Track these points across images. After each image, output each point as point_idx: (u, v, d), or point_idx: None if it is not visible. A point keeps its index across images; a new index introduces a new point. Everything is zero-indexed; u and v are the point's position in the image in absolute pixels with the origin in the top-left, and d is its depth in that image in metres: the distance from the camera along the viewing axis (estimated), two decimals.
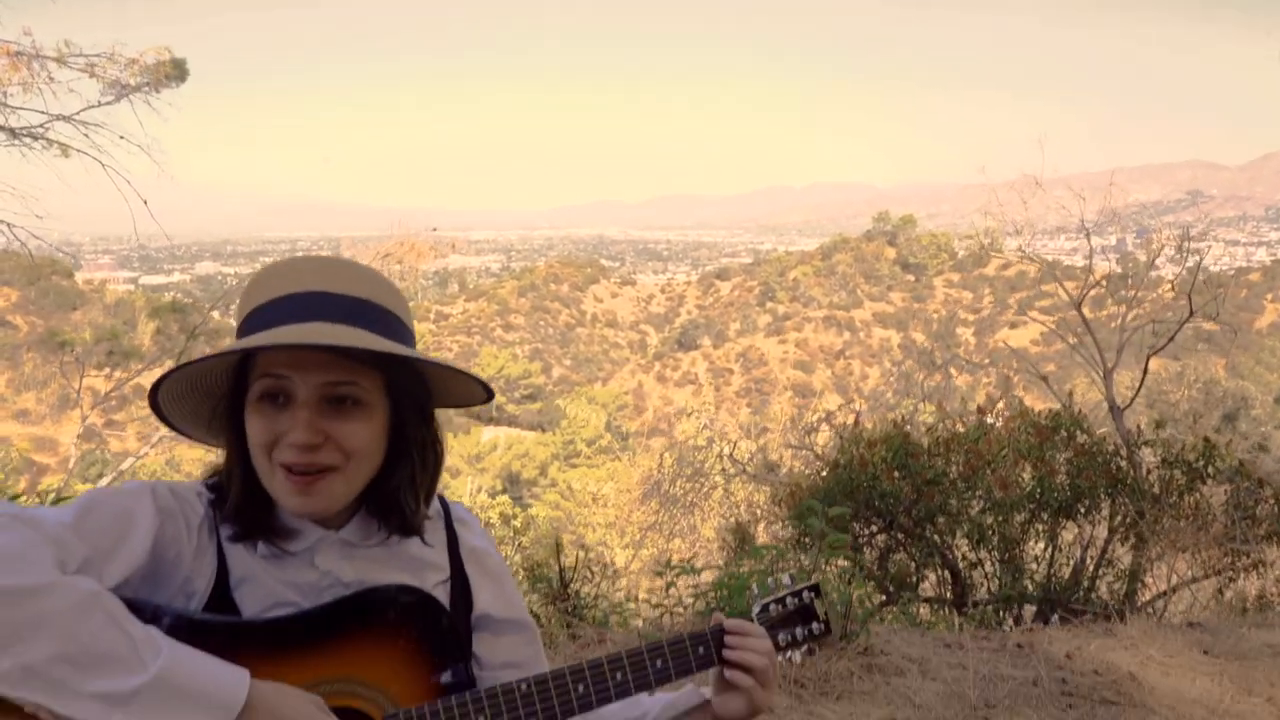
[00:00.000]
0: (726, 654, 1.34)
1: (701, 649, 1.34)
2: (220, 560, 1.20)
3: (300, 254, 1.28)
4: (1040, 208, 9.98)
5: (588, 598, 4.74)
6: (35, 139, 11.93)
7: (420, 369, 1.28)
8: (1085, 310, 9.01)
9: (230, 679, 1.02)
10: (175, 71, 13.39)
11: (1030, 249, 10.82)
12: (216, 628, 1.11)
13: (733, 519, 9.25)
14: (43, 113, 11.73)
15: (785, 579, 1.49)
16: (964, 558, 6.87)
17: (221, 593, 1.19)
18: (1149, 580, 6.62)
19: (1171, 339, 8.09)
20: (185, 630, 1.07)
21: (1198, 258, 8.81)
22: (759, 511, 9.21)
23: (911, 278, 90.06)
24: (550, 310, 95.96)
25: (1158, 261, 10.82)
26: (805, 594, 1.48)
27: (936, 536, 6.83)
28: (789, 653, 1.45)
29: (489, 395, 1.30)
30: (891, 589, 6.74)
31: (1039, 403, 8.43)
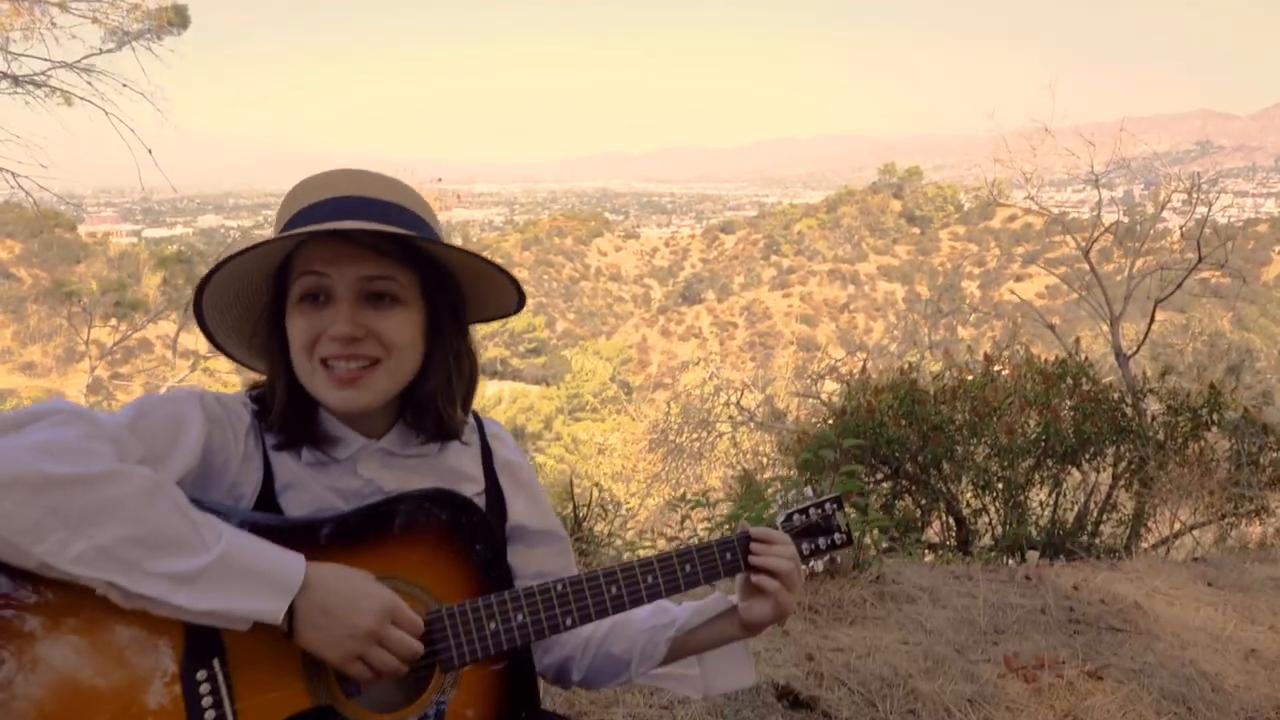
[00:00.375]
0: (753, 560, 1.38)
1: (729, 555, 1.38)
2: (266, 467, 1.24)
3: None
4: (1049, 155, 9.91)
5: (601, 536, 4.81)
6: (38, 86, 11.84)
7: (454, 275, 1.31)
8: (1092, 258, 9.01)
9: (288, 561, 1.07)
10: (177, 18, 13.26)
11: (1038, 199, 10.74)
12: (265, 526, 1.15)
13: (739, 468, 9.31)
14: (45, 59, 11.62)
15: (808, 491, 1.54)
16: (968, 505, 6.94)
17: (267, 498, 1.23)
18: (1152, 525, 6.70)
19: (1179, 286, 8.10)
20: (237, 527, 1.12)
21: (1206, 206, 8.77)
22: (765, 460, 9.28)
23: (917, 230, 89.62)
24: (554, 264, 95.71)
25: (1164, 213, 10.76)
26: (827, 505, 1.52)
27: (942, 484, 6.89)
28: (811, 561, 1.50)
29: (520, 300, 1.34)
30: (896, 534, 6.81)
31: (1045, 355, 8.45)
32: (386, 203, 1.26)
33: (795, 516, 1.50)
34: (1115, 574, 3.78)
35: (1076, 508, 6.80)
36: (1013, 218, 78.66)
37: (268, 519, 1.17)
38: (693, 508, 4.05)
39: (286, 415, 1.25)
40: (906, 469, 6.90)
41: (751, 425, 9.61)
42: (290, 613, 1.06)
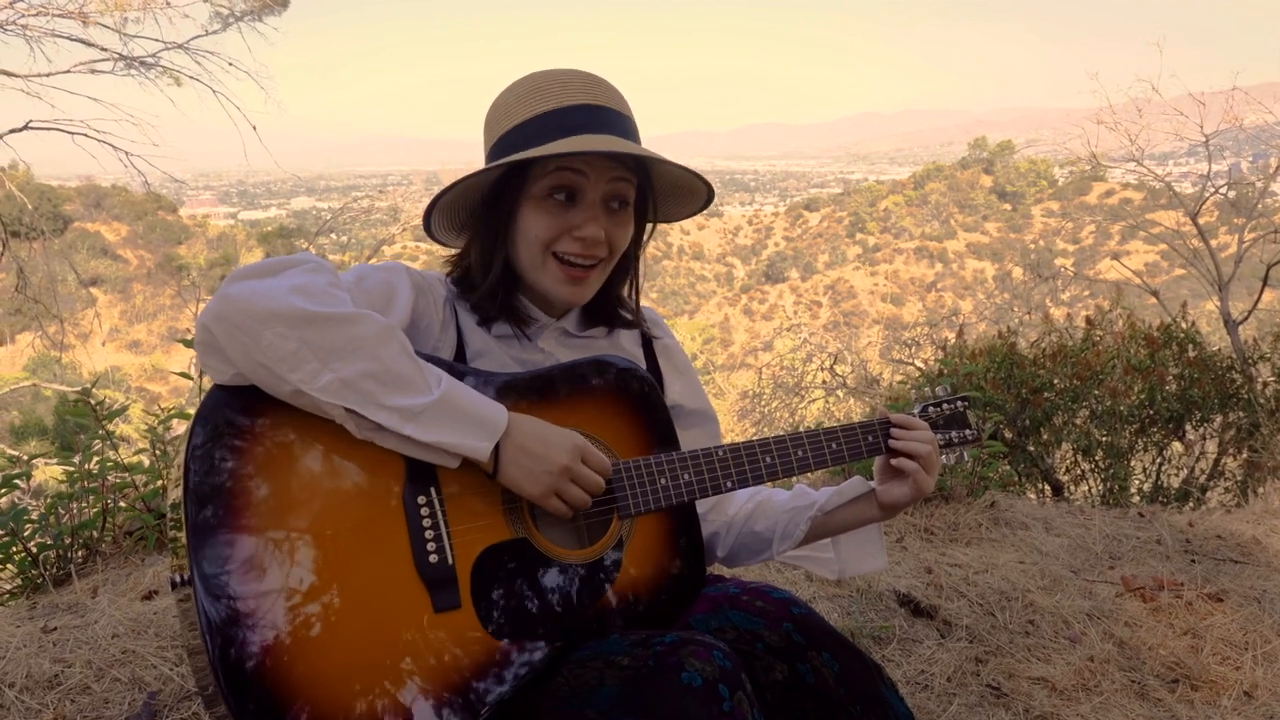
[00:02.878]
0: (893, 444, 1.47)
1: (870, 437, 1.47)
2: (459, 336, 1.39)
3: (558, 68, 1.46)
4: (1156, 117, 9.58)
5: None
6: (149, 68, 12.35)
7: (653, 188, 1.48)
8: (1199, 227, 8.74)
9: (494, 409, 1.21)
10: None
11: (1143, 163, 10.39)
12: (470, 374, 1.30)
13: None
14: (157, 40, 12.11)
15: (940, 390, 1.61)
16: (1067, 471, 6.84)
17: (460, 362, 1.38)
18: (1262, 492, 6.52)
19: None
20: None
21: None
22: None
23: (1008, 207, 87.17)
24: None
25: (1274, 188, 10.34)
26: (959, 403, 1.60)
27: (1040, 449, 6.80)
28: (943, 454, 1.58)
29: (695, 212, 1.49)
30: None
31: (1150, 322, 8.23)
32: (625, 115, 1.37)
33: (930, 408, 1.58)
34: (1230, 516, 3.75)
35: (1182, 474, 6.65)
36: (1109, 193, 76.03)
37: (474, 370, 1.31)
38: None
39: (493, 294, 1.40)
40: (1004, 435, 6.82)
41: (843, 391, 9.58)
42: (495, 454, 1.19)
